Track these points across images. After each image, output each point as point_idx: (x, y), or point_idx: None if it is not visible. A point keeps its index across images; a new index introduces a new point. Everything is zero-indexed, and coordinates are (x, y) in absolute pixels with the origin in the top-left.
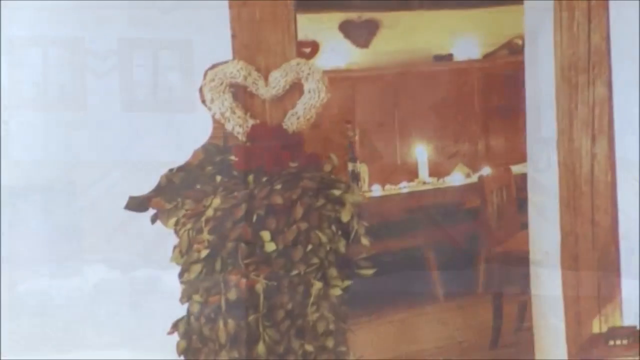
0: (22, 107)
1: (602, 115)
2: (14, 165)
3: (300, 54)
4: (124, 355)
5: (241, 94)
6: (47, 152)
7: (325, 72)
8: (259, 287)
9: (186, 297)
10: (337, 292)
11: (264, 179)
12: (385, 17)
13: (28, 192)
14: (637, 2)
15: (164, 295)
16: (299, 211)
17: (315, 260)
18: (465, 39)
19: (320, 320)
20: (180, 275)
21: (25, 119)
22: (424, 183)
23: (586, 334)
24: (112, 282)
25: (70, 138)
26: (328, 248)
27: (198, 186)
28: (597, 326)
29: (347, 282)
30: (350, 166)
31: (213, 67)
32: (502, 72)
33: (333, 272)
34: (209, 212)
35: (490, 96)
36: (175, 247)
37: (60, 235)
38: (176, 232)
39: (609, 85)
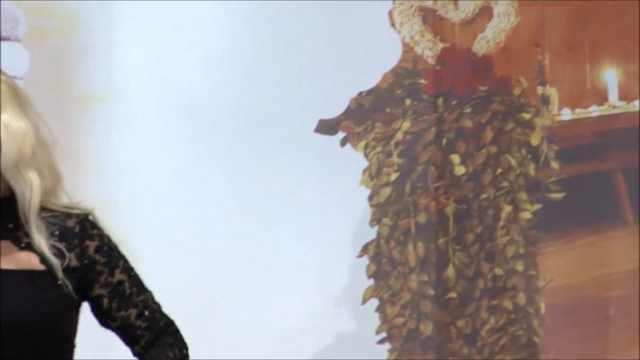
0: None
1: None
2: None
3: None
4: (312, 276)
5: (431, 18)
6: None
7: None
8: (449, 211)
9: (376, 220)
10: (526, 215)
11: (454, 102)
12: None
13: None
14: None
15: (354, 218)
16: (489, 135)
17: (505, 184)
18: None
19: (509, 244)
20: (370, 198)
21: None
22: (614, 107)
23: None
24: (302, 206)
25: (262, 64)
26: (518, 172)
27: (387, 109)
28: None
29: (537, 206)
30: (539, 90)
31: None
32: None
33: (523, 195)
34: (399, 136)
35: None
36: (364, 170)
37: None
38: (366, 155)
39: None
